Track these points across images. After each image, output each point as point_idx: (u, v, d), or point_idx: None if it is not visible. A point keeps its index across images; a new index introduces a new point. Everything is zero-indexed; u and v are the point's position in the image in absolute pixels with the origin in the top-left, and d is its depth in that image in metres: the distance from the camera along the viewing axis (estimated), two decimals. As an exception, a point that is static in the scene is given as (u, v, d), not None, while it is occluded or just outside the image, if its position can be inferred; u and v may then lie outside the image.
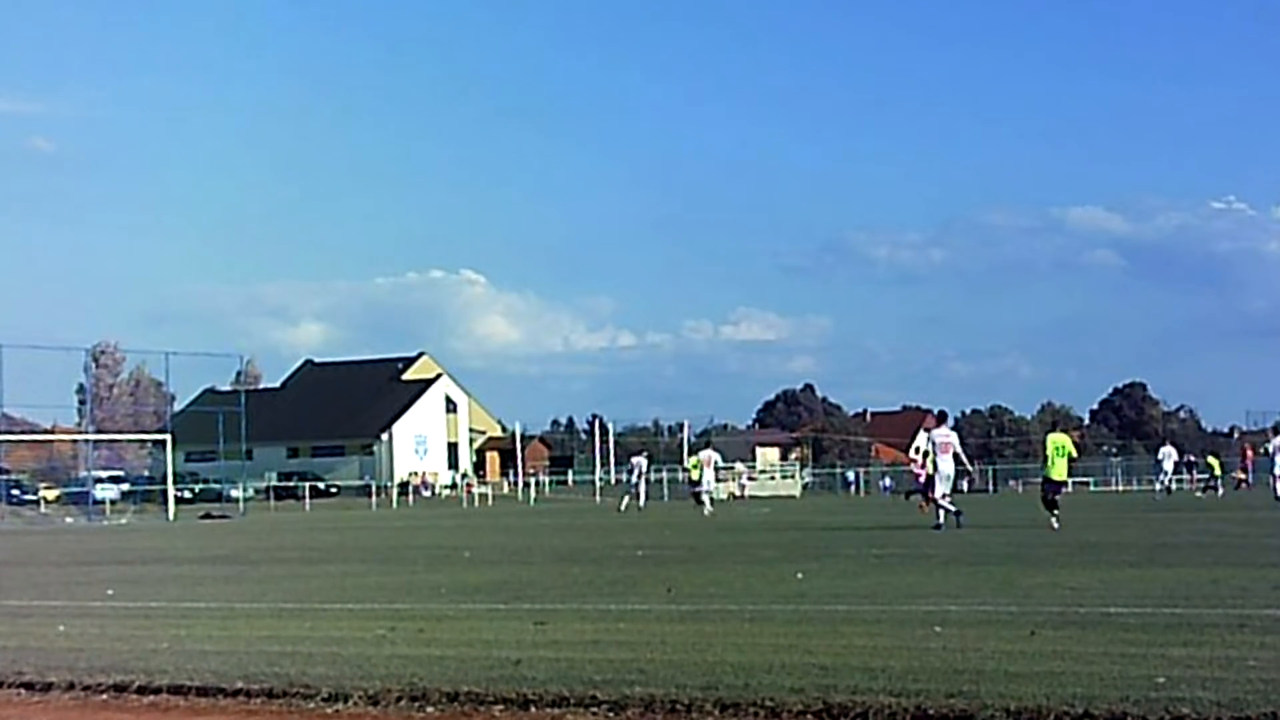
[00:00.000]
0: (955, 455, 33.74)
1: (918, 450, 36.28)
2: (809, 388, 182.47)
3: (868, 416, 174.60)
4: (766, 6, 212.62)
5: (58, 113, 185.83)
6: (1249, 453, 67.05)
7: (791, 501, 73.07)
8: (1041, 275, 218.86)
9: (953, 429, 36.19)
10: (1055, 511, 32.33)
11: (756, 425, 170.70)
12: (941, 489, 33.45)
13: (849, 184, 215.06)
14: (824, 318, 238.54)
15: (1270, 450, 50.64)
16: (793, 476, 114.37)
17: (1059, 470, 33.01)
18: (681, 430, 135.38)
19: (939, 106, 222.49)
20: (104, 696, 10.41)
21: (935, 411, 36.46)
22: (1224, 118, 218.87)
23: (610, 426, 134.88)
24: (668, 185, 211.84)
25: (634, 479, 60.92)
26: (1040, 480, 34.24)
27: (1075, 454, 34.51)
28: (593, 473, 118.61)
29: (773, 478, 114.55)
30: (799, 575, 18.74)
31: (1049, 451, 32.96)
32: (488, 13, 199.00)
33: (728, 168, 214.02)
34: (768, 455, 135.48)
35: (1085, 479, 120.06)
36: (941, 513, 32.99)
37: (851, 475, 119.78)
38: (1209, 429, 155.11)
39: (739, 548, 27.49)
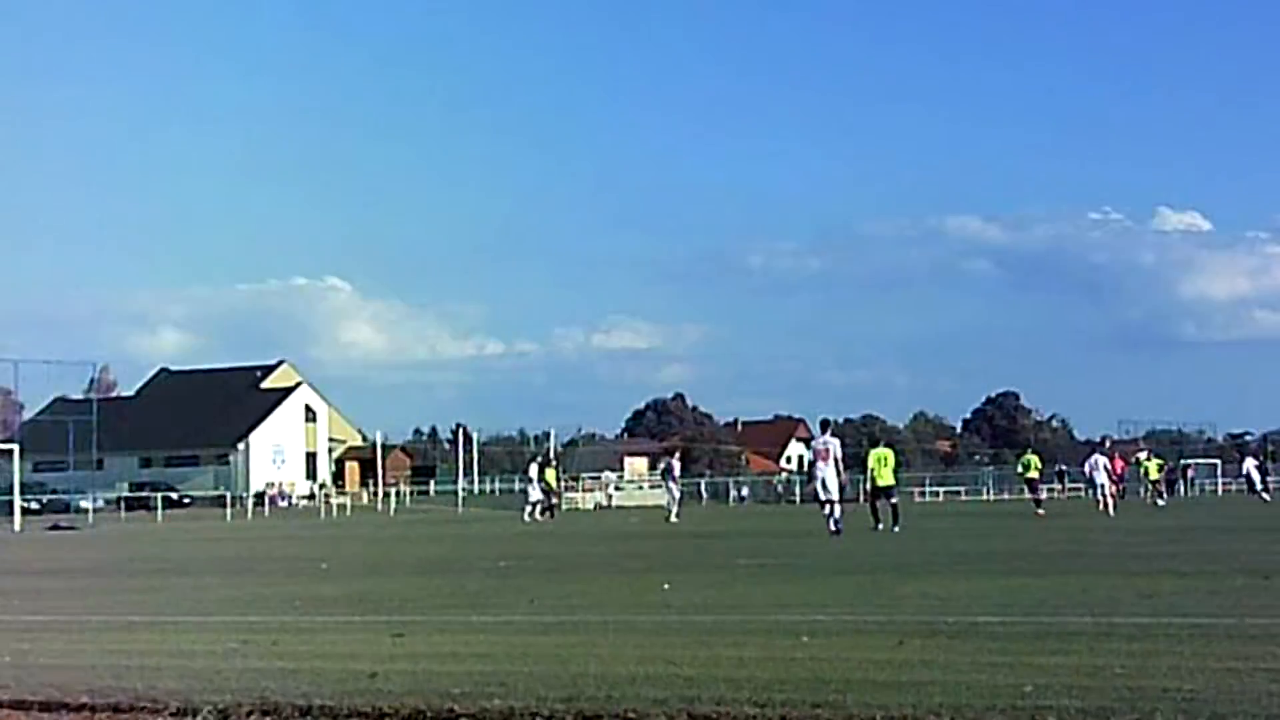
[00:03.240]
0: (836, 462, 35.21)
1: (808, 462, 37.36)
2: (680, 397, 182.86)
3: (739, 426, 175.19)
4: (641, 9, 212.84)
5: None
6: (1120, 463, 68.16)
7: (660, 511, 72.99)
8: (918, 285, 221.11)
9: (835, 436, 37.81)
10: (878, 514, 36.10)
11: (626, 434, 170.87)
12: (825, 495, 34.95)
13: (725, 192, 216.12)
14: (697, 326, 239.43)
15: (1088, 467, 51.96)
16: (661, 486, 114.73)
17: (885, 477, 36.72)
18: (548, 439, 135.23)
19: (815, 114, 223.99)
20: (-59, 713, 10.23)
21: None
22: (1101, 129, 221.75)
23: (475, 436, 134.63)
24: (539, 192, 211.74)
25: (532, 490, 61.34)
26: (869, 487, 37.56)
27: (894, 464, 37.99)
28: (455, 483, 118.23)
29: (641, 487, 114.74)
30: (665, 585, 18.76)
31: (871, 464, 36.78)
32: (333, 16, 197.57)
33: (600, 174, 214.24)
34: (636, 465, 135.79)
35: (957, 488, 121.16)
36: (838, 518, 34.37)
37: (726, 485, 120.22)
38: (1081, 438, 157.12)
39: (605, 558, 27.52)
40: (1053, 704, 8.66)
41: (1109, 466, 53.37)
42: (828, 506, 34.85)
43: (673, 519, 52.71)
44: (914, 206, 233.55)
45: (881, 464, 36.80)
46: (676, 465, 59.89)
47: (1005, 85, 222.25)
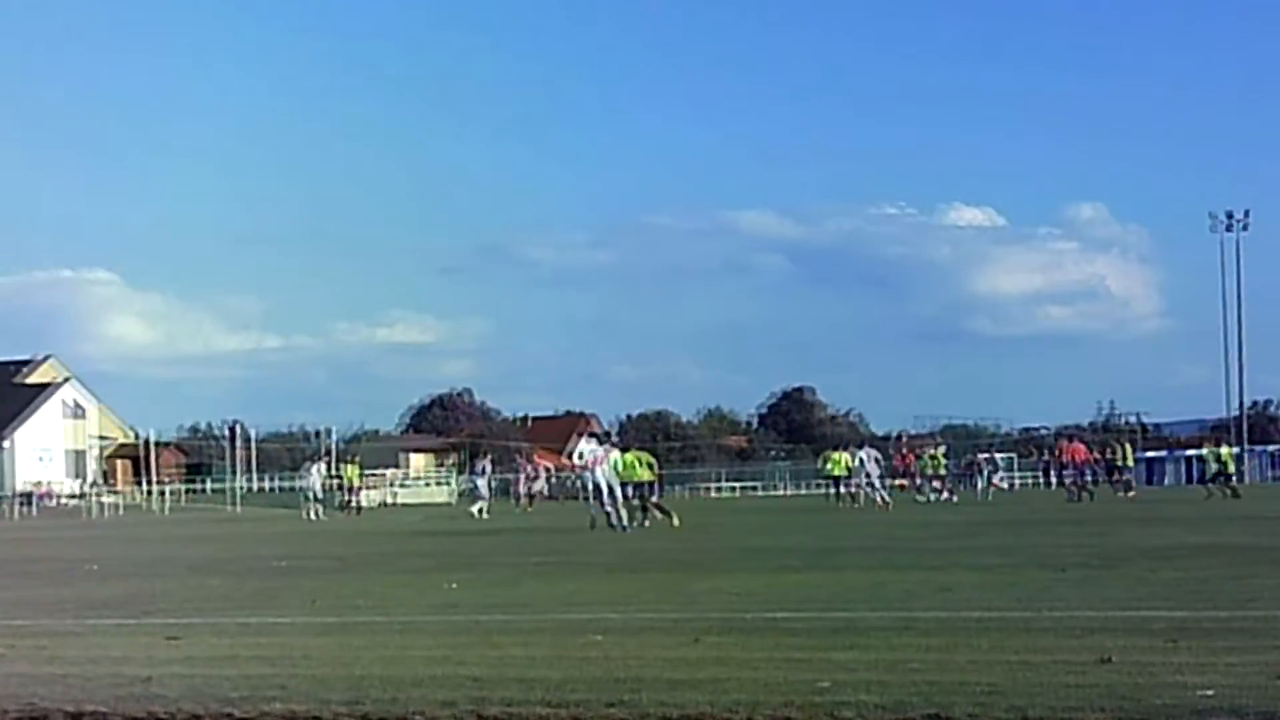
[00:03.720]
0: (609, 466, 37.55)
1: (584, 467, 38.26)
2: (466, 392, 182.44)
3: (528, 422, 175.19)
4: (424, 8, 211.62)
5: None
6: (910, 457, 69.18)
7: (445, 509, 72.85)
8: (711, 279, 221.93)
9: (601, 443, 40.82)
10: (647, 511, 37.86)
11: (410, 430, 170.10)
12: (605, 498, 36.93)
13: (507, 185, 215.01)
14: (482, 320, 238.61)
15: (861, 460, 52.66)
16: (447, 483, 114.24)
17: (642, 474, 38.28)
18: (330, 436, 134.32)
19: (600, 108, 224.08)
20: None
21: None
22: (893, 122, 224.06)
23: (252, 433, 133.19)
24: (317, 183, 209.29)
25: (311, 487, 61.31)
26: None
27: (654, 462, 40.37)
28: (231, 481, 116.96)
29: (426, 484, 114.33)
30: (452, 585, 18.75)
31: (622, 470, 37.65)
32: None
33: (379, 165, 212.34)
34: (418, 461, 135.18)
35: (754, 483, 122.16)
36: (617, 515, 36.44)
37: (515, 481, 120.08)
38: (876, 433, 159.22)
39: (389, 557, 27.43)
40: (850, 699, 8.79)
41: (880, 459, 54.61)
42: (609, 507, 36.73)
43: (484, 515, 53.08)
44: (705, 200, 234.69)
45: (636, 465, 38.31)
46: (489, 465, 61.43)
47: (796, 77, 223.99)
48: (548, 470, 72.10)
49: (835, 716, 8.42)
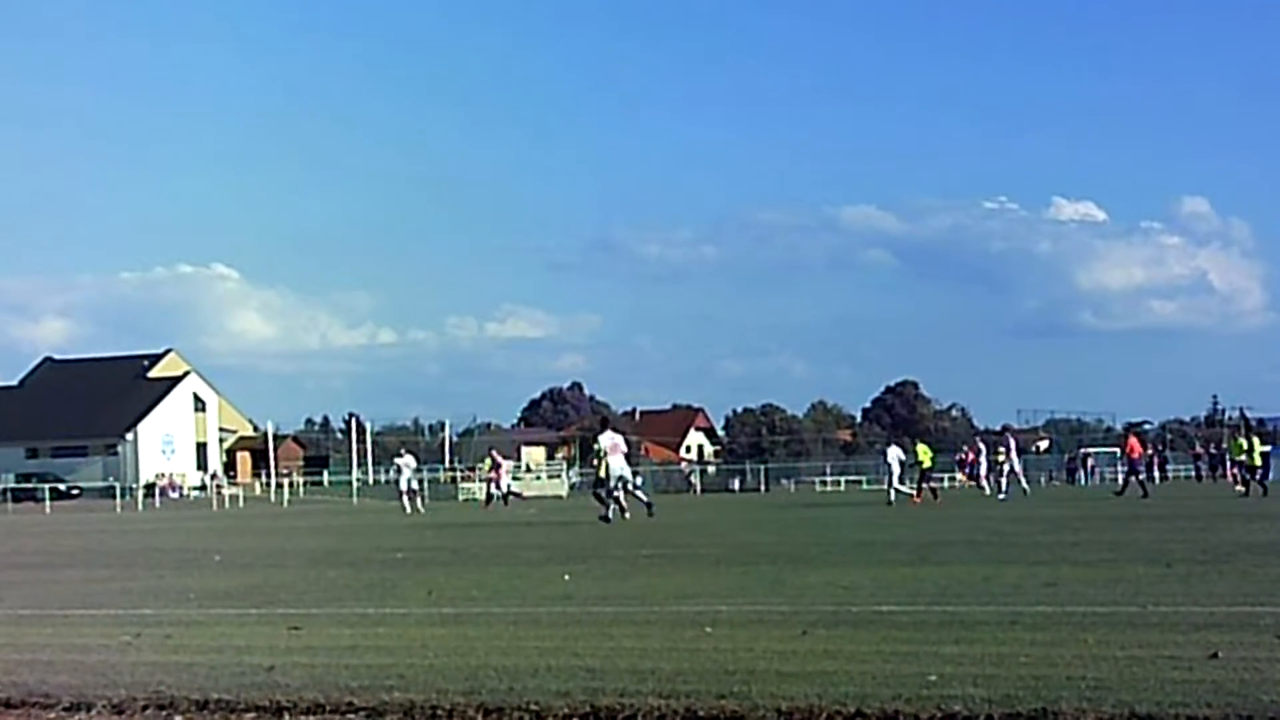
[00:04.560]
0: (625, 455, 38.67)
1: (599, 455, 37.96)
2: (577, 386, 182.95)
3: (637, 415, 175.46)
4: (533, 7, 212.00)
5: None
6: (971, 453, 68.39)
7: (559, 501, 73.07)
8: (815, 274, 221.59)
9: (618, 432, 40.85)
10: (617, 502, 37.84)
11: (522, 424, 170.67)
12: (613, 485, 37.58)
13: (618, 181, 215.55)
14: (593, 315, 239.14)
15: (1001, 451, 52.20)
16: (560, 476, 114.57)
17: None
18: (443, 429, 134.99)
19: (710, 107, 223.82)
20: None
21: (599, 417, 40.67)
22: (997, 118, 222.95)
23: (368, 425, 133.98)
24: (430, 179, 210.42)
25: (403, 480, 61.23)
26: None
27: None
28: (349, 473, 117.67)
29: (539, 477, 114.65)
30: (566, 576, 18.78)
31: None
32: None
33: (493, 162, 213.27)
34: (534, 454, 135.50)
35: (859, 477, 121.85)
36: (613, 507, 37.15)
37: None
38: (981, 427, 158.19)
39: (504, 549, 27.48)
40: (958, 693, 8.74)
41: (903, 459, 54.58)
42: (618, 493, 37.80)
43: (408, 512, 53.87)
44: (809, 196, 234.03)
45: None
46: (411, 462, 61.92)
47: (901, 74, 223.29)
48: (516, 467, 72.09)
49: (944, 710, 8.38)
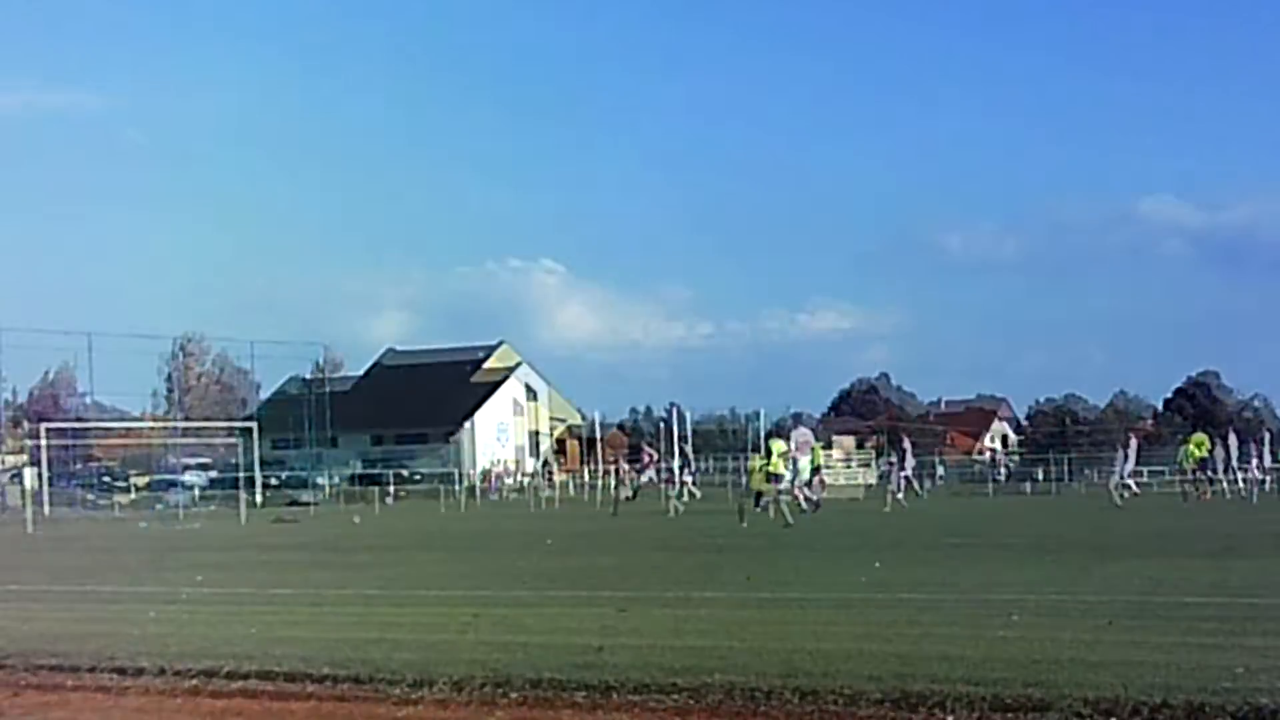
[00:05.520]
0: (812, 450, 38.12)
1: (783, 454, 36.80)
2: (884, 377, 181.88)
3: (941, 406, 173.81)
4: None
5: (149, 105, 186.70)
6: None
7: (868, 489, 72.57)
8: (1114, 265, 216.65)
9: (811, 429, 40.64)
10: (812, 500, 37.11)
11: (832, 414, 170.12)
12: (799, 480, 36.68)
13: (922, 173, 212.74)
14: (898, 308, 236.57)
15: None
16: (869, 465, 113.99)
17: (774, 467, 35.86)
18: (758, 419, 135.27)
19: (1007, 98, 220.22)
20: (193, 682, 10.44)
21: (791, 414, 39.80)
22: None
23: (688, 415, 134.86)
24: (742, 173, 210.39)
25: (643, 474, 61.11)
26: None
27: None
28: (671, 461, 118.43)
29: (849, 466, 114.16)
30: (877, 564, 18.67)
31: (776, 451, 35.99)
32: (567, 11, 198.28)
33: (801, 156, 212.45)
34: (845, 444, 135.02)
35: (1160, 468, 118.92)
36: (804, 501, 36.37)
37: (929, 466, 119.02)
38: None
39: (817, 537, 27.42)
40: (1264, 685, 8.49)
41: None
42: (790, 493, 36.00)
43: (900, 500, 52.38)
44: (1107, 187, 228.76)
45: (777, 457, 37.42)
46: (909, 446, 60.11)
47: (1195, 61, 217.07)
48: (652, 458, 70.05)
49: (1251, 703, 8.14)
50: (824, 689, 9.04)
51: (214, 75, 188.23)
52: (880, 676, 9.26)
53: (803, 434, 37.74)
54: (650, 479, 62.78)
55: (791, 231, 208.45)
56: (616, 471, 65.42)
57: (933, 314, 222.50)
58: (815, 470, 38.41)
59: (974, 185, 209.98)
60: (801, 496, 36.58)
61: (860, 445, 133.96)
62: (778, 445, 36.82)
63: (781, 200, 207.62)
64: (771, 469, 35.48)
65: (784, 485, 35.11)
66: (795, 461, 36.70)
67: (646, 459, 63.98)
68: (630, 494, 59.65)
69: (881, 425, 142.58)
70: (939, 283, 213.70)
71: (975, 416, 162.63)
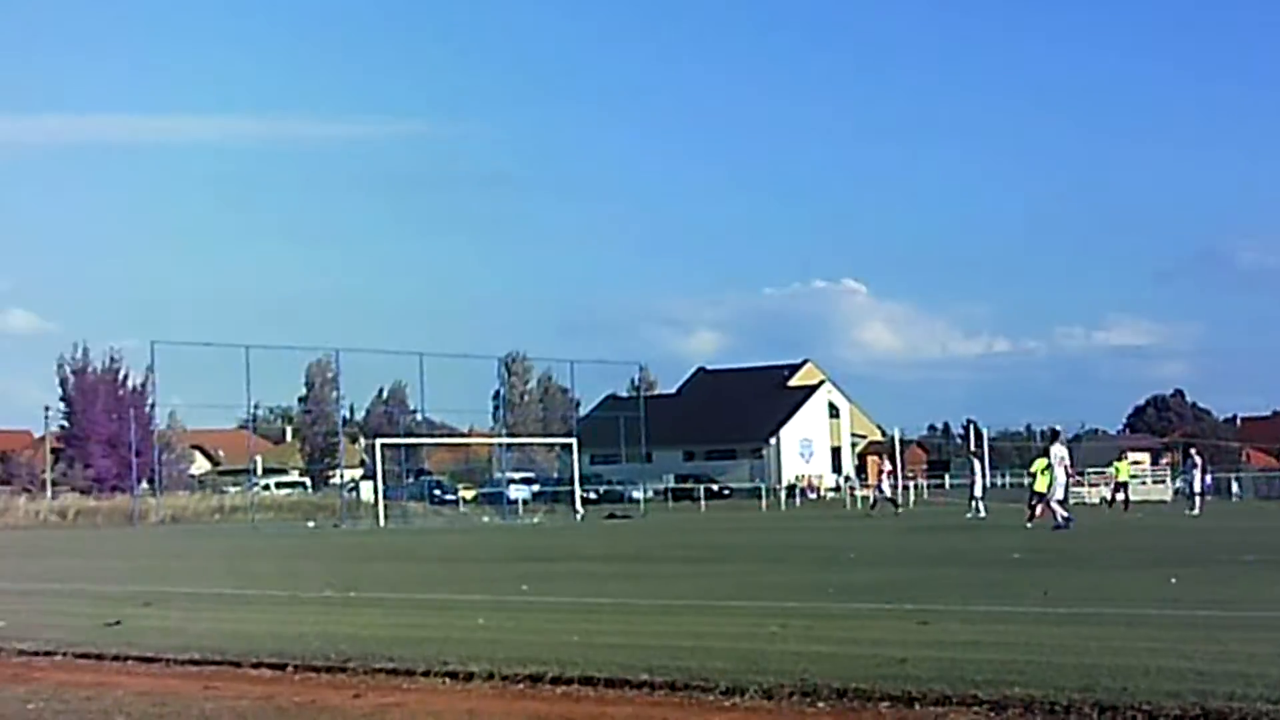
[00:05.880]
0: (1065, 468, 37.30)
1: (1047, 468, 36.57)
2: (1179, 393, 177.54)
3: (1237, 422, 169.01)
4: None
5: (481, 134, 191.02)
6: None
7: (1162, 506, 70.95)
8: None
9: (1065, 444, 40.12)
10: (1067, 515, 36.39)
11: (1127, 430, 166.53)
12: (1058, 495, 36.70)
13: (1220, 189, 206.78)
14: (1195, 323, 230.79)
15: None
16: (1164, 481, 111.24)
17: (1041, 484, 37.11)
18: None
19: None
20: (520, 686, 10.64)
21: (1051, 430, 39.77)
22: None
23: (985, 431, 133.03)
24: (1039, 192, 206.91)
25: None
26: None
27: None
28: (970, 476, 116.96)
29: (1144, 482, 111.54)
30: (1173, 580, 18.22)
31: (1036, 468, 37.55)
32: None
33: (1099, 174, 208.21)
34: (1139, 460, 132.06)
35: None
36: (1060, 515, 36.00)
37: (1227, 481, 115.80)
38: None
39: (1113, 551, 26.87)
40: None
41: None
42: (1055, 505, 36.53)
43: (1194, 513, 50.83)
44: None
45: (1045, 470, 37.62)
46: (1199, 460, 58.21)
47: None
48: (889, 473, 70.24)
49: None
50: (1122, 704, 8.87)
51: (536, 108, 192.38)
52: (1179, 693, 9.05)
53: (1059, 450, 37.42)
54: (886, 491, 64.49)
55: (1089, 249, 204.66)
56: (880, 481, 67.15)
57: (1231, 329, 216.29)
58: (1066, 485, 38.13)
59: (1273, 196, 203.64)
60: (1053, 512, 36.38)
61: (1155, 460, 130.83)
62: (1039, 463, 37.65)
63: (1079, 218, 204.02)
64: (1035, 486, 37.13)
65: (1056, 497, 36.35)
66: (1053, 477, 36.88)
67: (886, 471, 66.35)
68: (884, 503, 62.53)
69: (1176, 440, 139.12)
70: (1237, 297, 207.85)
71: (1273, 432, 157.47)
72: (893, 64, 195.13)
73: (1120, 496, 60.51)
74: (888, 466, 71.43)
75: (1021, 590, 17.34)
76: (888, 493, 66.12)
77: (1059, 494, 36.79)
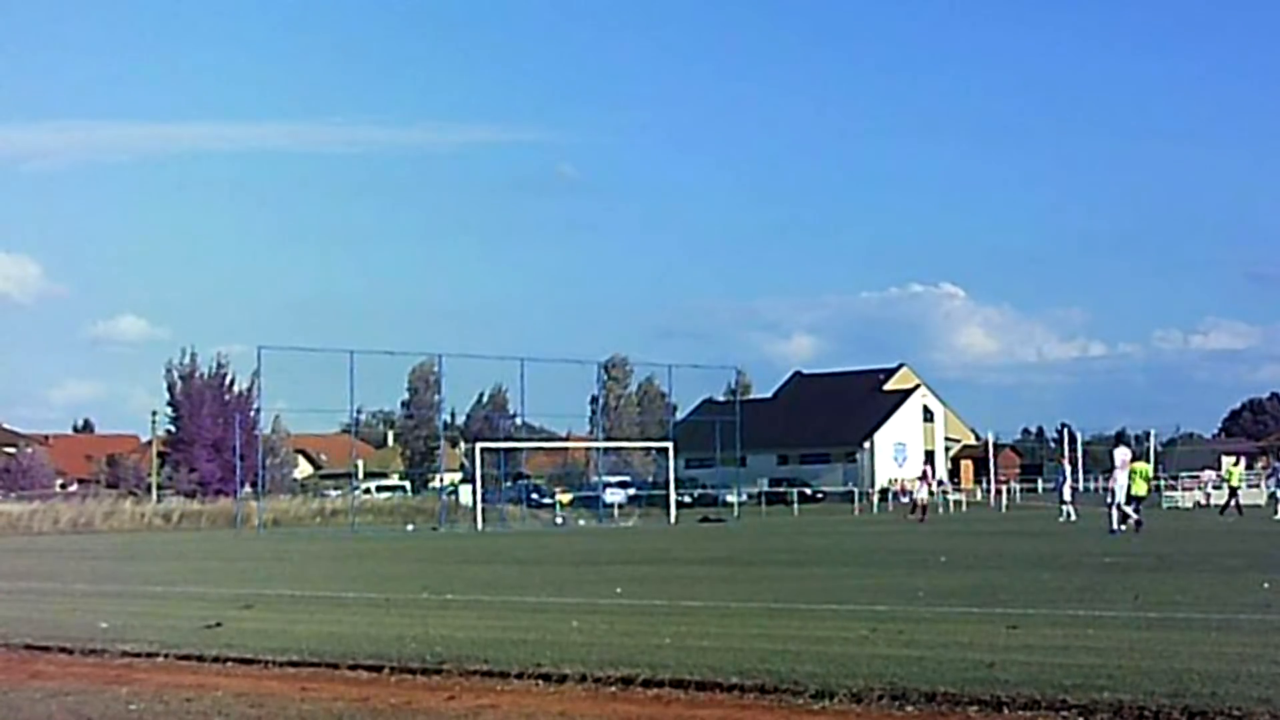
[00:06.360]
0: (1132, 471, 37.87)
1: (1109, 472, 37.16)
2: (1275, 396, 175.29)
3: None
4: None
5: (580, 141, 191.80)
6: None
7: (1257, 510, 70.04)
8: None
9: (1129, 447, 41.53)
10: (1129, 519, 36.87)
11: (1222, 434, 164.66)
12: (1120, 498, 37.33)
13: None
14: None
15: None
16: (1259, 485, 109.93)
17: (1138, 488, 38.17)
18: (1148, 439, 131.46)
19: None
20: (612, 689, 10.66)
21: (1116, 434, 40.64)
22: None
23: (1079, 435, 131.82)
24: (1137, 194, 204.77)
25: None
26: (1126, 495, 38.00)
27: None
28: (1063, 482, 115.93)
29: (1237, 486, 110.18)
30: (1265, 585, 18.00)
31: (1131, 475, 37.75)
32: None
33: (1193, 177, 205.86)
34: (1232, 464, 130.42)
35: None
36: (1116, 517, 37.10)
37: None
38: None
39: (1204, 556, 26.56)
40: None
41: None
42: (1128, 508, 37.18)
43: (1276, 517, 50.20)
44: None
45: (1141, 475, 38.77)
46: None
47: None
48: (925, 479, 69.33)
49: None
50: (1212, 709, 8.77)
51: (638, 115, 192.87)
52: (1269, 699, 8.95)
53: (1122, 453, 37.63)
54: (927, 495, 64.37)
55: (1185, 252, 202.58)
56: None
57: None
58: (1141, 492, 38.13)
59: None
60: (1118, 515, 36.94)
61: (1250, 465, 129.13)
62: (1140, 466, 38.70)
63: (1175, 221, 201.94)
64: (1134, 490, 37.67)
65: (1118, 499, 37.14)
66: (1117, 479, 37.71)
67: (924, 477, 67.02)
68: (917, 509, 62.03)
69: (1273, 444, 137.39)
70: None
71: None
72: (993, 74, 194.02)
73: (1234, 502, 59.47)
74: (929, 471, 71.50)
75: (1112, 594, 17.19)
76: (923, 499, 64.93)
77: (1120, 497, 36.89)
